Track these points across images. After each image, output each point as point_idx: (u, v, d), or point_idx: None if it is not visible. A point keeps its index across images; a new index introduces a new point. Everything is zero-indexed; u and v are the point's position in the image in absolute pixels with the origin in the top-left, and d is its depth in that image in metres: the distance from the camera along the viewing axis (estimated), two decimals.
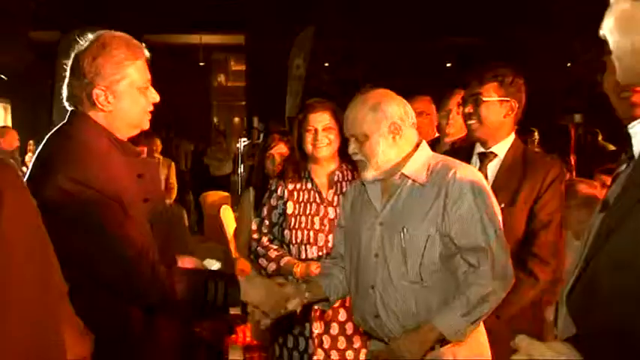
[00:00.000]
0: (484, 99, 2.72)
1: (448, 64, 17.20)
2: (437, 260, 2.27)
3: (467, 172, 2.32)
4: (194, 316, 2.05)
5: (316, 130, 3.14)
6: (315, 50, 10.33)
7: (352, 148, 2.39)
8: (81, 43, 2.07)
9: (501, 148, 2.75)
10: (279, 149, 4.01)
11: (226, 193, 9.44)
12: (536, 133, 7.65)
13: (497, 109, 2.72)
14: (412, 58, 14.62)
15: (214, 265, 2.21)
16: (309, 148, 3.17)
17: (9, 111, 12.40)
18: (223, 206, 6.54)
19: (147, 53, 2.14)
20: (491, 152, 2.75)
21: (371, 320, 2.40)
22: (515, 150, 2.75)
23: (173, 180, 7.94)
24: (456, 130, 3.86)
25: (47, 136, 2.09)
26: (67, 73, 2.08)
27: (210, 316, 4.78)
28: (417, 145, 2.39)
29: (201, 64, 18.72)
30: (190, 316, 2.05)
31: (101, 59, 2.02)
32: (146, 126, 2.17)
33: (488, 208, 2.27)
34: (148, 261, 1.98)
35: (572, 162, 7.11)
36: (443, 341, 2.27)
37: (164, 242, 2.16)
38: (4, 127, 9.76)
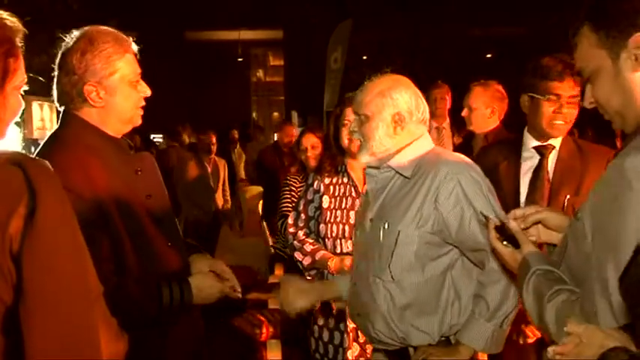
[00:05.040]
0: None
1: (488, 55, 16.97)
2: (412, 259, 2.11)
3: (459, 166, 2.14)
4: (153, 321, 1.96)
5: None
6: (354, 43, 10.26)
7: (353, 125, 2.30)
8: (67, 40, 2.03)
9: (557, 139, 2.75)
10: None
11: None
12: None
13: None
14: (451, 49, 14.46)
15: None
16: (344, 142, 3.14)
17: (54, 109, 12.70)
18: (262, 201, 6.57)
19: (135, 47, 2.09)
20: (550, 144, 2.75)
21: (356, 319, 2.31)
22: (565, 140, 2.75)
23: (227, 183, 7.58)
24: (477, 124, 3.95)
25: (44, 141, 2.06)
26: (56, 72, 2.04)
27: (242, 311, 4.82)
28: (417, 138, 2.23)
29: (240, 59, 18.84)
30: (150, 323, 1.92)
31: (89, 54, 1.97)
32: (138, 122, 2.12)
33: (484, 203, 2.06)
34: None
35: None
36: None
37: (172, 238, 2.11)
38: None
